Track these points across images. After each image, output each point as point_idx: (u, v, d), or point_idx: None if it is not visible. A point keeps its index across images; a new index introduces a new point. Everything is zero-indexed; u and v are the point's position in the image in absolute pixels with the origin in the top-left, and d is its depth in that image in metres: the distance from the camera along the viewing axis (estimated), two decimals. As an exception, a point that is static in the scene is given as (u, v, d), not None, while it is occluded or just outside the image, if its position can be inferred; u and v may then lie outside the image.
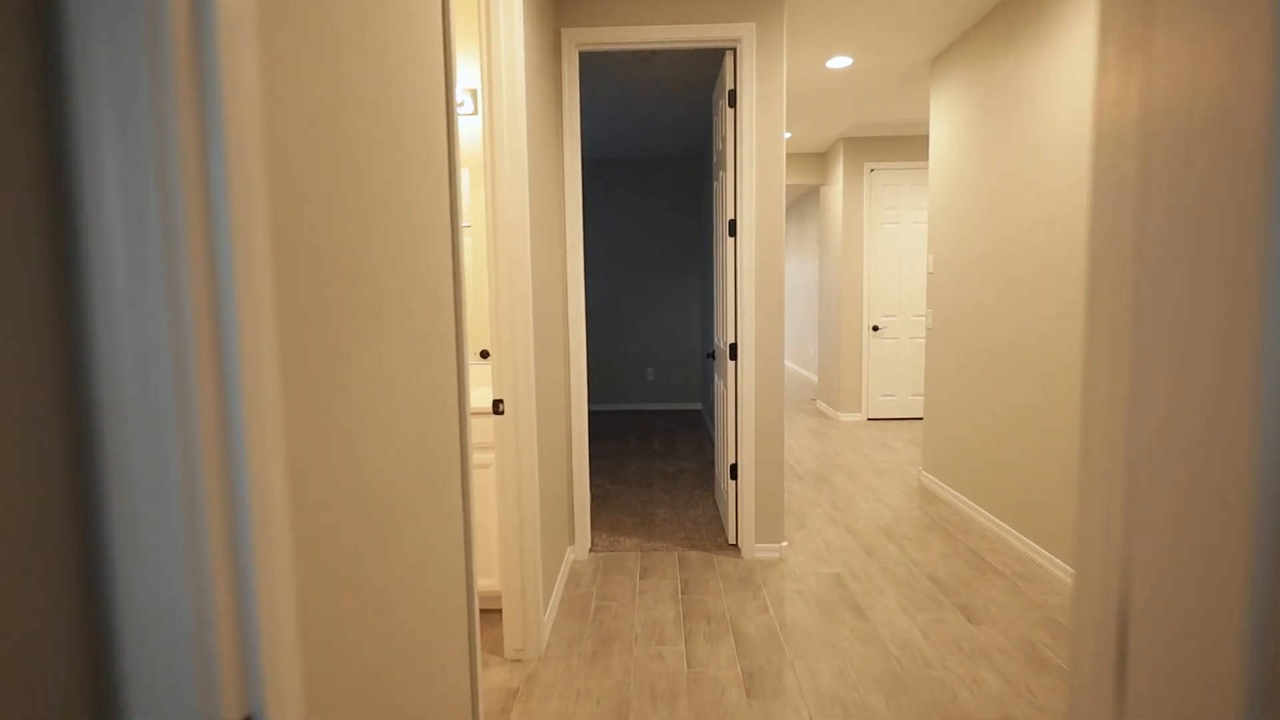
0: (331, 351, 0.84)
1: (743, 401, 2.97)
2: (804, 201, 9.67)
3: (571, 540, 3.05)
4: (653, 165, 6.65)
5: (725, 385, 3.18)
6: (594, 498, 3.93)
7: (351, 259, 0.91)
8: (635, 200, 6.70)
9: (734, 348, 3.03)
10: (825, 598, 2.59)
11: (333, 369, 0.84)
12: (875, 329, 6.11)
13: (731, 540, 3.16)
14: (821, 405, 6.77)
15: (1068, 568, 2.66)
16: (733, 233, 2.99)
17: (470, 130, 2.73)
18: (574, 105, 2.91)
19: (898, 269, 6.09)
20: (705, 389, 6.32)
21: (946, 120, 3.78)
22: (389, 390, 1.04)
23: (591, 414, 6.68)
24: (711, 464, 4.67)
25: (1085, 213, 2.56)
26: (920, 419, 6.15)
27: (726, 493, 3.21)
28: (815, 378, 8.99)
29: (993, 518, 3.27)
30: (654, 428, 5.96)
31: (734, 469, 3.09)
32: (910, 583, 2.71)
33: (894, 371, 6.15)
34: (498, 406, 2.11)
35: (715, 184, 3.52)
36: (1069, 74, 2.66)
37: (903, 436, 5.43)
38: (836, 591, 2.65)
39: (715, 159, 3.49)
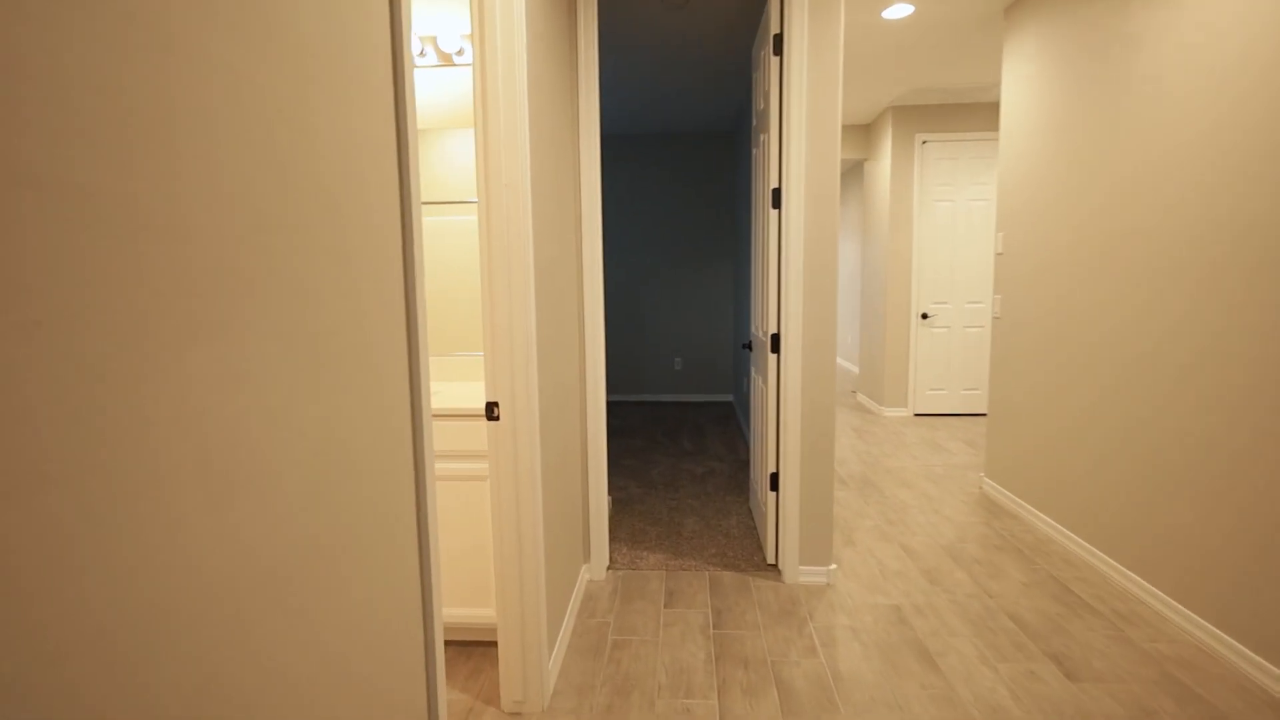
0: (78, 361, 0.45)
1: (786, 402, 2.54)
2: (846, 178, 9.11)
3: (587, 557, 2.68)
4: (683, 140, 6.20)
5: (765, 382, 2.76)
6: (615, 501, 3.55)
7: (189, 213, 0.53)
8: (663, 177, 6.26)
9: (776, 339, 2.60)
10: (885, 639, 2.18)
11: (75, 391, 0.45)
12: (924, 317, 5.60)
13: (770, 560, 2.75)
14: (863, 399, 6.29)
15: (1183, 609, 2.20)
16: (776, 204, 2.55)
17: (466, 85, 2.34)
18: (591, 59, 2.49)
19: (951, 251, 5.56)
20: (738, 381, 5.89)
21: (1024, 76, 3.26)
22: (272, 412, 0.66)
23: (615, 405, 6.31)
24: (745, 464, 4.26)
25: (1235, 182, 2.07)
26: (975, 416, 5.64)
27: (765, 505, 2.80)
28: (855, 369, 8.48)
29: (1078, 539, 2.80)
30: (682, 421, 5.56)
31: (774, 479, 2.68)
32: (987, 621, 2.28)
33: (944, 363, 5.64)
34: (492, 411, 1.73)
35: (755, 150, 3.08)
36: (1204, 7, 2.15)
37: (956, 436, 4.94)
38: (898, 630, 2.23)
39: (755, 121, 3.05)
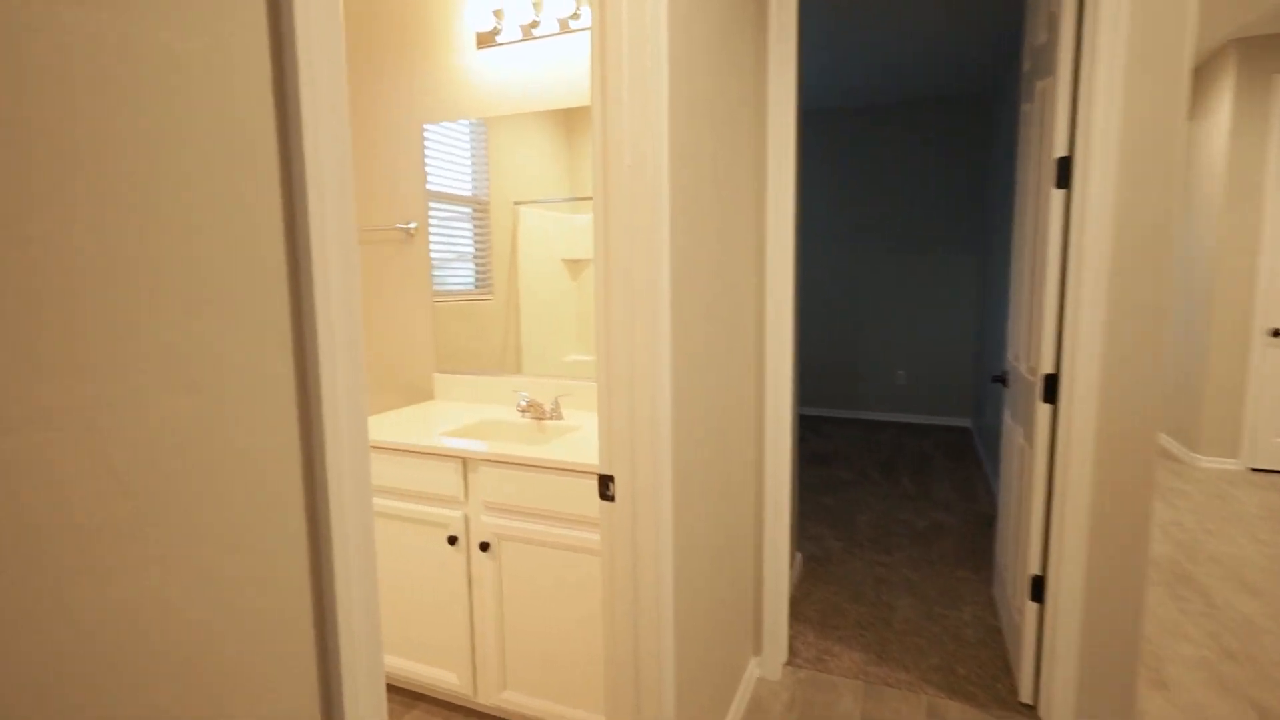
0: None
1: (1065, 480, 1.70)
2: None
3: (757, 648, 2.10)
4: (915, 108, 5.17)
5: (1029, 442, 1.92)
6: (806, 559, 2.90)
7: None
8: (889, 155, 5.29)
9: (1051, 383, 1.76)
10: None
11: None
12: (1276, 334, 3.98)
13: (1025, 699, 1.91)
14: (1166, 441, 4.74)
15: None
16: (1063, 181, 1.71)
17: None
18: (788, 6, 1.89)
19: (1329, 240, 3.86)
20: (979, 404, 4.77)
21: None
22: None
23: (817, 421, 5.53)
24: (987, 521, 3.29)
25: None
26: (1357, 478, 3.88)
27: (1020, 614, 1.96)
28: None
29: None
30: (903, 450, 4.63)
31: (1037, 585, 1.84)
32: None
33: (1308, 400, 3.96)
34: (606, 487, 1.24)
35: (1025, 107, 2.20)
36: None
37: (1330, 510, 3.39)
38: None
39: (1028, 64, 2.17)
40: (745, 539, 1.97)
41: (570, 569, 1.62)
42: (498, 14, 2.06)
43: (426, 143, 2.23)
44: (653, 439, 1.21)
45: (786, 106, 1.91)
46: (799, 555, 2.80)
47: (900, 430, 5.23)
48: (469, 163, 2.18)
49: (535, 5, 2.00)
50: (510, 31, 2.05)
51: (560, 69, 2.01)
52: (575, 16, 1.95)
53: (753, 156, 1.91)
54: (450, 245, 2.24)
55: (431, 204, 2.25)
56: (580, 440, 1.74)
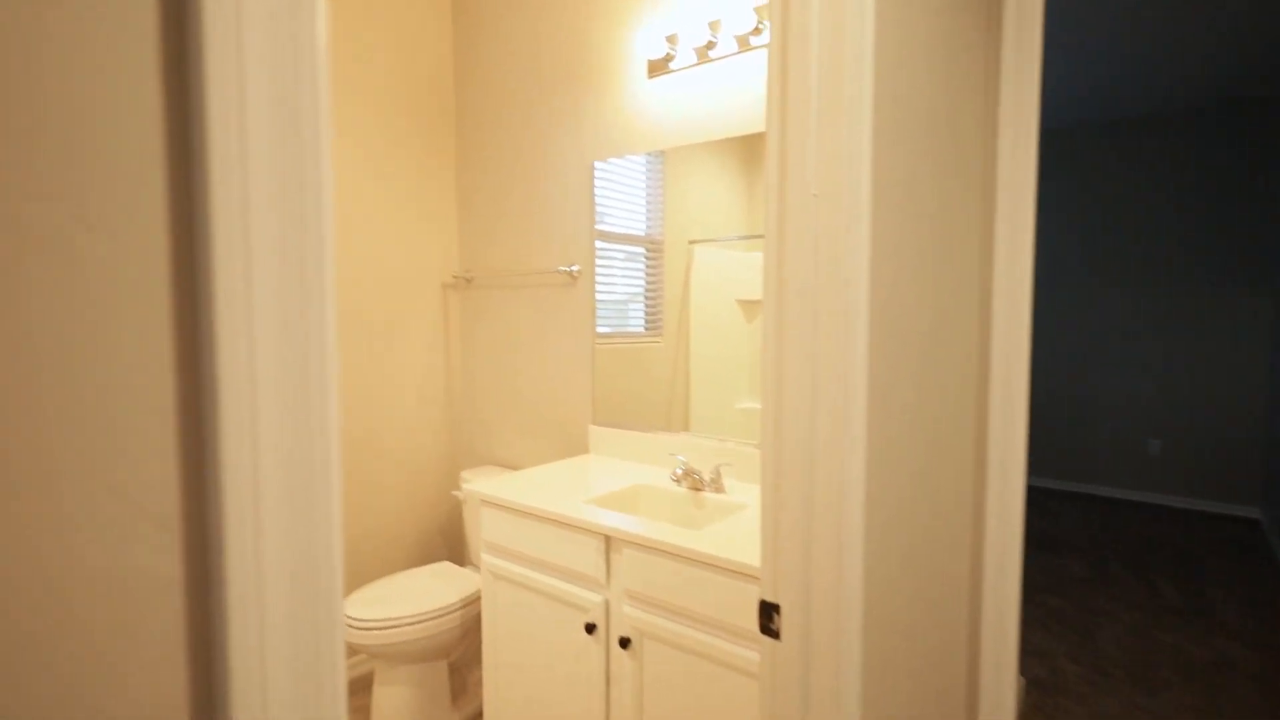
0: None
1: None
2: None
3: (968, 814, 1.60)
4: (1173, 119, 4.21)
5: None
6: (1030, 683, 2.28)
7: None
8: (1135, 175, 4.36)
9: None
10: None
11: None
12: None
13: None
14: None
15: None
16: None
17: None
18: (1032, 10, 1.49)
19: None
20: (1272, 489, 3.65)
21: None
22: None
23: (1036, 492, 4.61)
24: (1304, 666, 2.39)
25: None
26: None
27: None
28: None
29: None
30: (1157, 543, 3.66)
31: None
32: None
33: None
34: (770, 619, 0.94)
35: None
36: None
37: None
38: None
39: None
40: (954, 658, 1.51)
41: (724, 688, 1.31)
42: (670, 39, 1.88)
43: (597, 180, 2.11)
44: (837, 560, 0.89)
45: (1027, 119, 1.50)
46: (1020, 682, 2.21)
47: (1152, 515, 4.18)
48: (643, 200, 2.02)
49: (711, 25, 1.80)
50: (684, 56, 1.86)
51: (737, 93, 1.78)
52: (756, 31, 1.71)
53: (979, 181, 1.52)
54: (625, 286, 2.08)
55: (600, 244, 2.12)
56: (742, 525, 1.44)
